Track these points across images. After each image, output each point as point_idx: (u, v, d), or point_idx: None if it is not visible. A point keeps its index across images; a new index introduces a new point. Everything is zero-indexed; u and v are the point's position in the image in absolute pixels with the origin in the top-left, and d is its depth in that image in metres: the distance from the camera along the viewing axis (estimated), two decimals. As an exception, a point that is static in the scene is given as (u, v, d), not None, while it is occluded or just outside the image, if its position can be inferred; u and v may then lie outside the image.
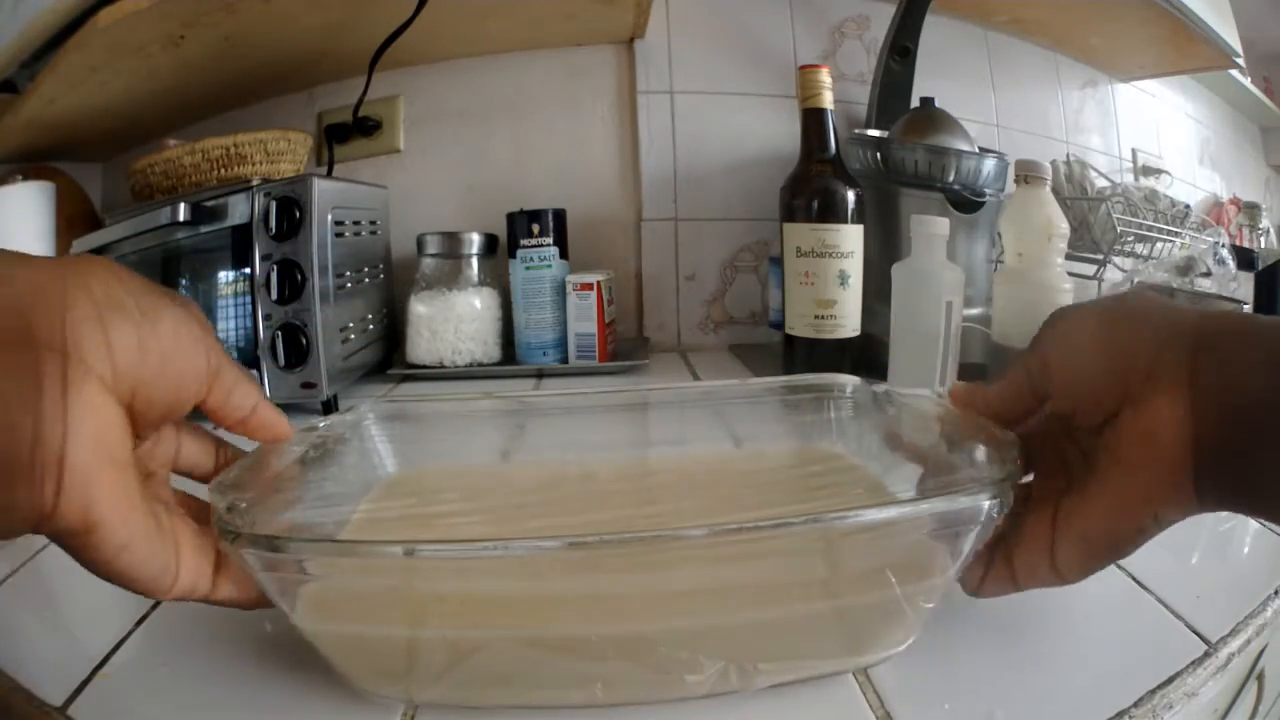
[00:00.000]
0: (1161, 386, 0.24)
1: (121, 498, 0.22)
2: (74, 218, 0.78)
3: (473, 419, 0.46)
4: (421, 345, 0.82)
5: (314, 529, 0.35)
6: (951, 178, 0.73)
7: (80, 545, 0.22)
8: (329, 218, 0.69)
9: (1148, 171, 1.22)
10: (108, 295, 0.22)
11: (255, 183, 0.67)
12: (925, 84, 0.89)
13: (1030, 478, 0.32)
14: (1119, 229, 0.74)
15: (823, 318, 0.70)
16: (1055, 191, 0.75)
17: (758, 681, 0.30)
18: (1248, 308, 0.64)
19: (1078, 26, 1.08)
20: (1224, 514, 0.28)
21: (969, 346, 0.65)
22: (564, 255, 0.85)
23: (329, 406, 0.69)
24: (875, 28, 0.97)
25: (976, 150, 0.77)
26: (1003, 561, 0.30)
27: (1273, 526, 0.44)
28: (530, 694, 0.30)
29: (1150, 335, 0.25)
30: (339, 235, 0.71)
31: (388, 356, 0.86)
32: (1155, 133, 1.28)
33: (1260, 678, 0.45)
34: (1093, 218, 0.79)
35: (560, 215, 0.85)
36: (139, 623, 0.36)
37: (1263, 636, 0.35)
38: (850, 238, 0.69)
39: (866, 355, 0.71)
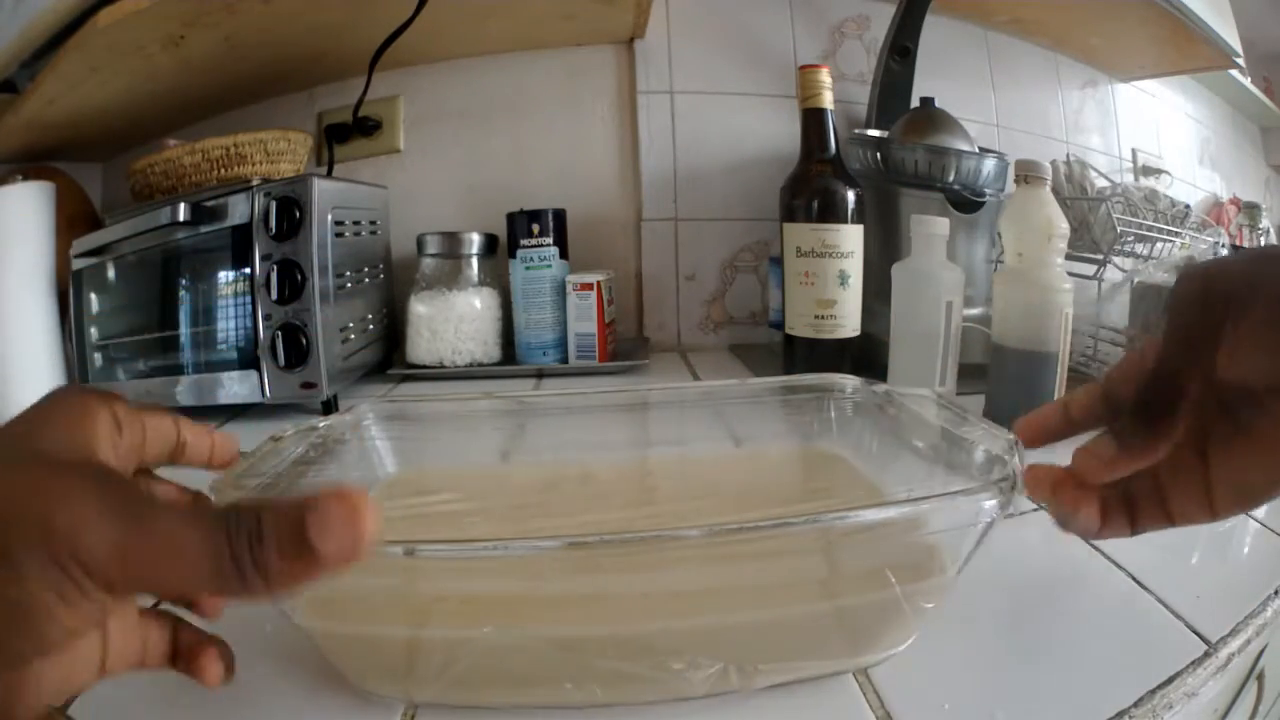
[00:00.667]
0: None
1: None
2: (74, 218, 0.78)
3: (473, 419, 0.46)
4: (421, 345, 0.82)
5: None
6: (951, 178, 0.73)
7: None
8: (329, 218, 0.69)
9: (1148, 171, 1.22)
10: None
11: (255, 183, 0.67)
12: (925, 84, 0.89)
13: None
14: (1119, 229, 0.74)
15: (823, 318, 0.70)
16: (1055, 191, 0.75)
17: (758, 681, 0.30)
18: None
19: (1078, 26, 1.08)
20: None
21: (969, 346, 0.65)
22: (564, 255, 0.85)
23: (329, 406, 0.69)
24: (875, 28, 0.97)
25: (976, 150, 0.76)
26: (1155, 503, 0.30)
27: (1273, 526, 0.44)
28: (530, 694, 0.30)
29: None
30: (339, 235, 0.71)
31: (388, 356, 0.86)
32: (1155, 133, 1.28)
33: (1260, 678, 0.45)
34: (1093, 218, 0.79)
35: (560, 215, 0.85)
36: (139, 623, 0.36)
37: (1263, 636, 0.35)
38: (850, 238, 0.69)
39: (866, 355, 0.71)
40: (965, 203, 0.73)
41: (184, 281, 0.69)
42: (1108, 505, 0.30)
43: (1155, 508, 0.30)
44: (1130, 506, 0.30)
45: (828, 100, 0.72)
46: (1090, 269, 0.76)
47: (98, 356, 0.71)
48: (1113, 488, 0.30)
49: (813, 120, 0.72)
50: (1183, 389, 0.27)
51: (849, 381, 0.45)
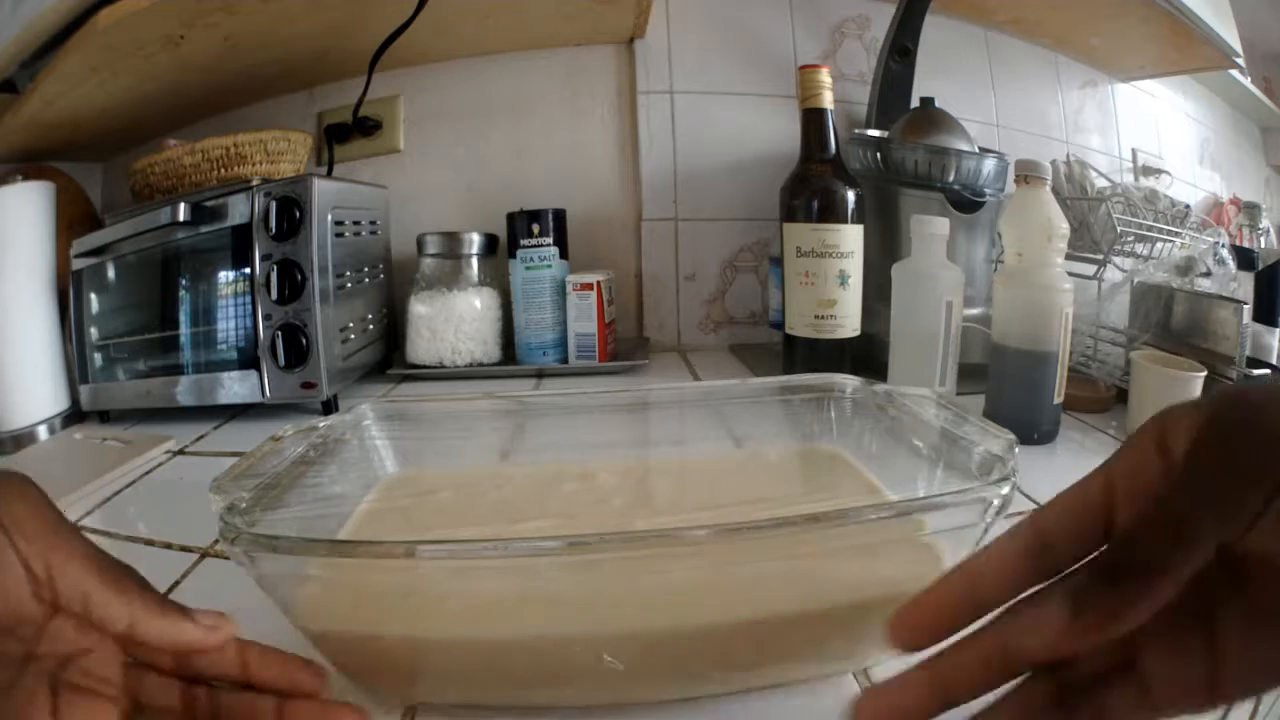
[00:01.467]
0: None
1: None
2: (74, 218, 0.78)
3: (473, 419, 0.46)
4: (421, 345, 0.82)
5: (314, 528, 0.35)
6: (951, 178, 0.73)
7: None
8: (329, 218, 0.69)
9: (1148, 171, 1.22)
10: None
11: (255, 183, 0.67)
12: (925, 84, 0.89)
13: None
14: (1119, 229, 0.74)
15: (823, 318, 0.70)
16: (1055, 191, 0.75)
17: (758, 681, 0.30)
18: (1248, 308, 0.64)
19: (1078, 26, 1.08)
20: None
21: (969, 346, 0.65)
22: (564, 255, 0.85)
23: (329, 406, 0.69)
24: (875, 28, 0.97)
25: (976, 150, 0.76)
26: (1132, 697, 0.21)
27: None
28: (530, 694, 0.30)
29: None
30: (339, 235, 0.71)
31: (388, 356, 0.86)
32: (1155, 133, 1.28)
33: (1260, 678, 0.44)
34: (1093, 218, 0.79)
35: (560, 215, 0.85)
36: (139, 623, 0.36)
37: (1263, 636, 0.35)
38: (850, 238, 0.69)
39: (866, 355, 0.71)
40: (965, 203, 0.73)
41: (184, 281, 0.69)
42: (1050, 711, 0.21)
43: (1132, 703, 0.21)
44: (1093, 706, 0.21)
45: (828, 100, 0.72)
46: (1090, 269, 0.76)
47: (98, 356, 0.71)
48: (1049, 683, 0.22)
49: (813, 120, 0.72)
50: (1190, 546, 0.20)
51: (849, 381, 0.45)
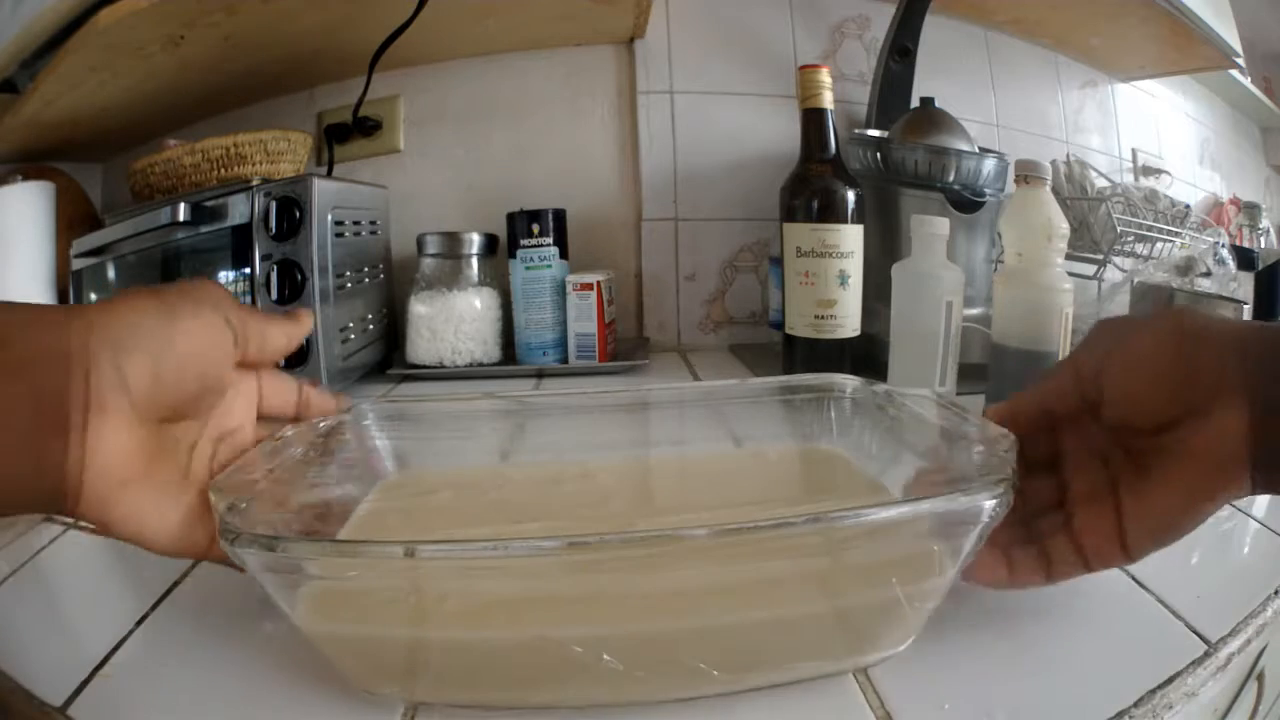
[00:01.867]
0: (1226, 399, 0.28)
1: (129, 509, 0.28)
2: (74, 218, 0.78)
3: (473, 419, 0.46)
4: (421, 345, 0.82)
5: (314, 528, 0.35)
6: (951, 178, 0.73)
7: (101, 532, 0.29)
8: (329, 218, 0.69)
9: (1148, 171, 1.22)
10: (128, 340, 0.28)
11: (255, 183, 0.67)
12: (925, 84, 0.89)
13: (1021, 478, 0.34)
14: (1119, 229, 0.74)
15: (823, 318, 0.70)
16: (1055, 191, 0.75)
17: (758, 681, 0.30)
18: (1248, 308, 0.64)
19: (1078, 26, 1.08)
20: (1223, 513, 0.28)
21: (969, 346, 0.65)
22: (564, 255, 0.85)
23: (329, 406, 0.69)
24: (875, 28, 0.97)
25: (976, 150, 0.76)
26: (1070, 550, 0.31)
27: (1273, 526, 0.44)
28: (530, 694, 0.30)
29: (1213, 352, 0.29)
30: (339, 235, 0.71)
31: (388, 356, 0.86)
32: (1155, 133, 1.28)
33: (1260, 678, 0.45)
34: (1093, 218, 0.79)
35: (560, 215, 0.85)
36: (139, 622, 0.36)
37: (1263, 636, 0.35)
38: (850, 238, 0.69)
39: (866, 355, 0.71)
40: (965, 203, 0.73)
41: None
42: (1018, 553, 0.32)
43: (1070, 554, 0.31)
44: (1044, 554, 0.32)
45: (828, 100, 0.72)
46: (1090, 269, 0.76)
47: (98, 356, 0.70)
48: (1022, 535, 0.32)
49: (813, 120, 0.72)
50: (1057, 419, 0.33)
51: (849, 381, 0.45)
